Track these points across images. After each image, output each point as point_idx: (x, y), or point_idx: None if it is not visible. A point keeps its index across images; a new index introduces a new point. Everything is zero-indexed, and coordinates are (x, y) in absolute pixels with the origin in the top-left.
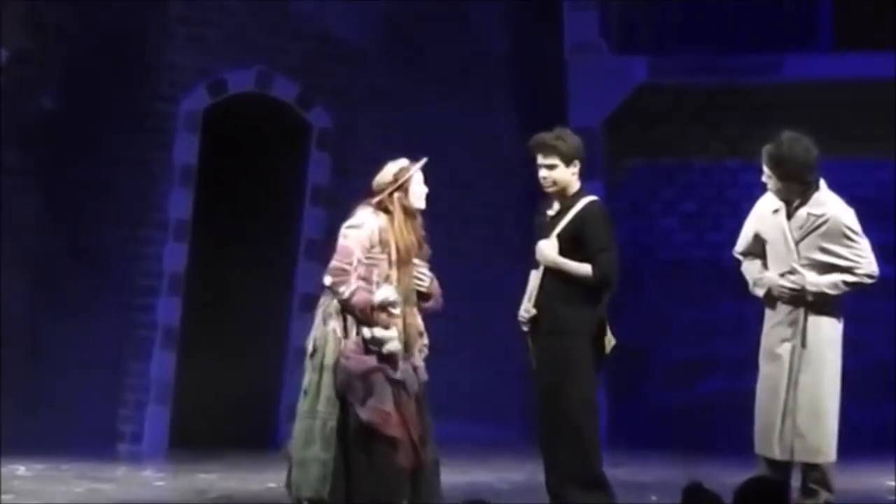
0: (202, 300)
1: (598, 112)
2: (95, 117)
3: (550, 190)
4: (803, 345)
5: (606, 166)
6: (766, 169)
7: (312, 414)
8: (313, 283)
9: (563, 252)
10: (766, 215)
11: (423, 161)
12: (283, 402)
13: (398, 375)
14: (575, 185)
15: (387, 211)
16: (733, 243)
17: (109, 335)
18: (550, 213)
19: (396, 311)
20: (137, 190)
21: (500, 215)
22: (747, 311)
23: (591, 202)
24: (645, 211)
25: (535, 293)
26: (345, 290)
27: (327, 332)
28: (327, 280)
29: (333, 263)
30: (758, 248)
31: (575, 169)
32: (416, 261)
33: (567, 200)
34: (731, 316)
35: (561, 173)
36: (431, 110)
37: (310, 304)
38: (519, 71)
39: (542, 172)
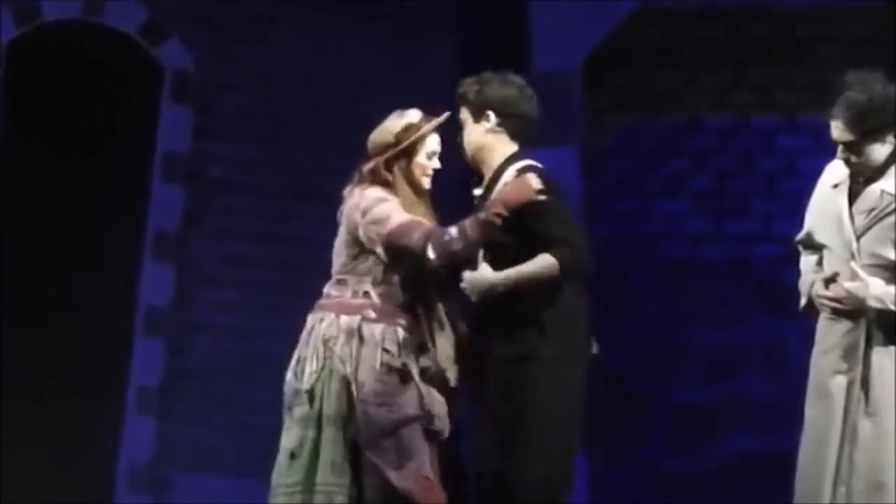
0: (8, 318)
1: (575, 50)
2: None
3: (467, 158)
4: (864, 381)
5: (586, 126)
6: (839, 125)
7: (308, 486)
8: (164, 292)
9: (501, 247)
10: (825, 191)
11: (444, 117)
12: (122, 458)
13: (438, 426)
14: (498, 148)
15: (386, 184)
16: (766, 235)
17: None
18: (478, 192)
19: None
20: None
21: (438, 193)
22: (790, 332)
23: (526, 168)
24: (640, 189)
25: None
26: (450, 238)
27: (332, 367)
28: (417, 241)
29: (393, 224)
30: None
31: (489, 124)
32: None
33: (494, 172)
34: (767, 340)
35: (468, 133)
36: (340, 49)
37: (159, 323)
38: None
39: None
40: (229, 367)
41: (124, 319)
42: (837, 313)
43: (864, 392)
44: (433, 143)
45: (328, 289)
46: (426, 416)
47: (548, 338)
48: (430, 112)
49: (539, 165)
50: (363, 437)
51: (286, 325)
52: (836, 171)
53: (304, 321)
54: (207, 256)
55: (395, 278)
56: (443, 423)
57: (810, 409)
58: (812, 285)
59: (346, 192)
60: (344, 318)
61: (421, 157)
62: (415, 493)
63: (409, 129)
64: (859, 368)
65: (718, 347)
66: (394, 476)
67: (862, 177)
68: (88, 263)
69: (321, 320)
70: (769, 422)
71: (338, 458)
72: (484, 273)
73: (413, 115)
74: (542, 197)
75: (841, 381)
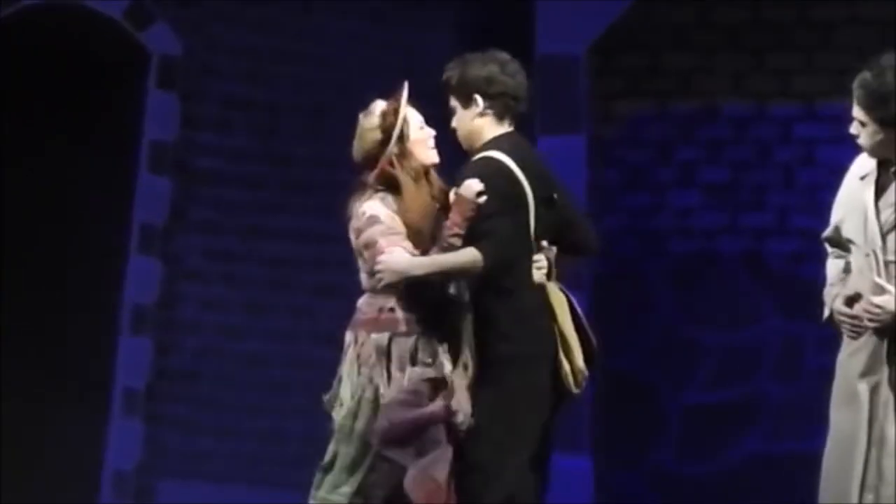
0: None
1: (581, 33)
2: None
3: (464, 146)
4: (891, 384)
5: (592, 115)
6: (858, 111)
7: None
8: (150, 289)
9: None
10: (853, 182)
11: (406, 88)
12: (107, 465)
13: (460, 419)
14: (484, 132)
15: (393, 184)
16: (783, 230)
17: None
18: None
19: None
20: None
21: None
22: (807, 331)
23: (479, 160)
24: (651, 181)
25: None
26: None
27: (364, 386)
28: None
29: (377, 253)
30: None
31: (478, 108)
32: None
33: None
34: (783, 340)
35: (458, 120)
36: (336, 33)
37: (146, 321)
38: None
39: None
40: (219, 368)
41: (111, 317)
42: (858, 332)
43: (892, 395)
44: (415, 114)
45: (360, 303)
46: (450, 412)
47: (501, 338)
48: (431, 103)
49: (491, 155)
50: (381, 437)
51: (278, 324)
52: (864, 162)
53: (296, 320)
54: (196, 251)
55: (419, 288)
56: (465, 418)
57: (836, 414)
58: (835, 298)
59: (349, 206)
60: (374, 336)
61: (415, 133)
62: (414, 494)
63: (386, 115)
64: (885, 371)
65: (732, 347)
66: (409, 470)
67: (890, 167)
68: (71, 258)
69: (355, 339)
70: (784, 425)
71: (374, 478)
72: (397, 257)
73: (378, 105)
74: (482, 199)
75: (866, 383)
